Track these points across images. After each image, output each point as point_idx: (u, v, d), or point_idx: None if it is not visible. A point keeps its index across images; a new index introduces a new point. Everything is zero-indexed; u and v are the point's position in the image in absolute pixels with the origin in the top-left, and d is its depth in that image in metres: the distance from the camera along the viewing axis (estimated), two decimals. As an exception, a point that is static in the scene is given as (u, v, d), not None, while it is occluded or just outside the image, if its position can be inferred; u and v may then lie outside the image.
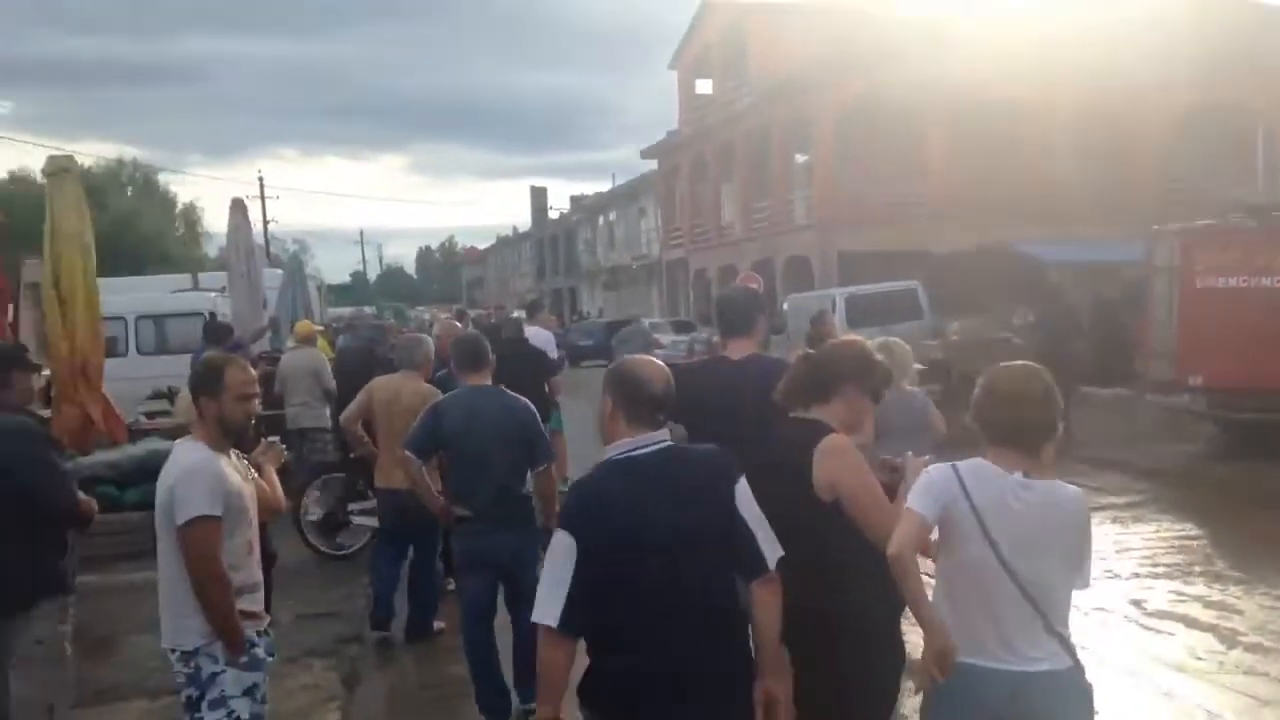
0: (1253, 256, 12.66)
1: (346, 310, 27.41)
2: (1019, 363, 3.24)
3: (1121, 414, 15.42)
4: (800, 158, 32.58)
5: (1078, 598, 3.14)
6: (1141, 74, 25.96)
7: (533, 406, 5.69)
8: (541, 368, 9.61)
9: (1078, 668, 3.04)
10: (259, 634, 3.87)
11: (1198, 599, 7.39)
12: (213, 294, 17.00)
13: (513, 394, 5.69)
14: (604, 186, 58.12)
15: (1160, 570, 8.15)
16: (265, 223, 50.31)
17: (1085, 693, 3.06)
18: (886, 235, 27.16)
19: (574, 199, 61.80)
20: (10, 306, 9.54)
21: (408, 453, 5.55)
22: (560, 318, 29.70)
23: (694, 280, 39.14)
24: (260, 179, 54.45)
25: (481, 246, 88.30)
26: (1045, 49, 26.13)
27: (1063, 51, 26.23)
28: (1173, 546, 8.90)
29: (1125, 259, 18.27)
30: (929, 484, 3.05)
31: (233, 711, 3.72)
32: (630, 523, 2.99)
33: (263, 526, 4.14)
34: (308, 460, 10.38)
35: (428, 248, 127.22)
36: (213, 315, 15.10)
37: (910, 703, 4.39)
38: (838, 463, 3.32)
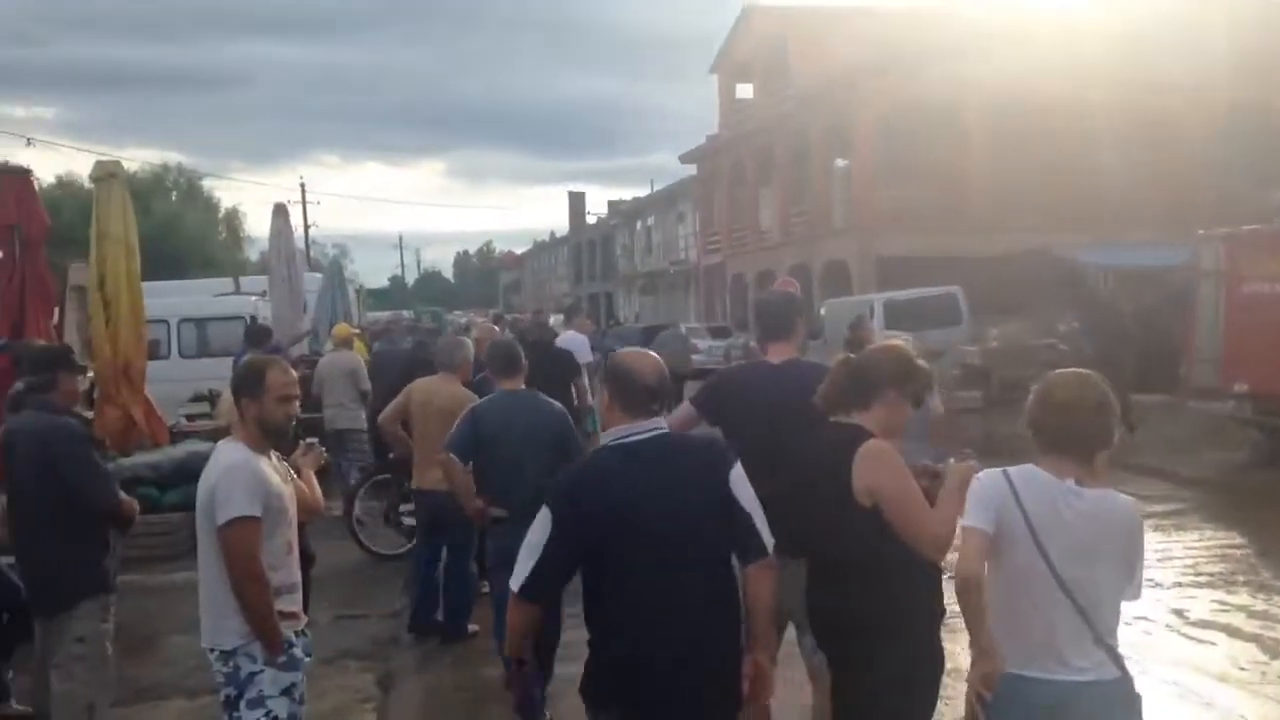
0: (1301, 261, 12.43)
1: (384, 314, 27.61)
2: (1074, 369, 3.20)
3: (1164, 420, 15.21)
4: (840, 162, 32.44)
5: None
6: (1181, 74, 25.63)
7: (565, 410, 5.79)
8: (567, 369, 9.63)
9: (1126, 678, 3.00)
10: (297, 634, 3.89)
11: (1241, 609, 7.27)
12: (254, 298, 17.19)
13: (546, 398, 5.80)
14: (642, 191, 58.27)
15: (1203, 579, 8.03)
16: (306, 227, 50.88)
17: (1133, 704, 3.02)
18: (926, 240, 26.97)
19: (611, 204, 61.93)
20: (56, 309, 9.68)
21: (450, 454, 5.61)
22: (596, 322, 29.69)
23: (731, 285, 39.08)
24: (302, 184, 55.33)
25: (519, 251, 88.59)
26: (1086, 51, 25.85)
27: (1104, 53, 25.93)
28: (1216, 555, 8.76)
29: (1169, 263, 18.03)
30: (981, 493, 3.02)
31: (270, 711, 3.73)
32: (626, 499, 3.08)
33: (301, 528, 4.16)
34: (344, 461, 10.50)
35: (465, 252, 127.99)
36: (253, 319, 15.26)
37: (950, 712, 4.34)
38: (878, 467, 3.29)
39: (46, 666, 5.00)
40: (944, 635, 3.48)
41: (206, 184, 55.95)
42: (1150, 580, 7.73)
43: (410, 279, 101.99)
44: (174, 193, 52.60)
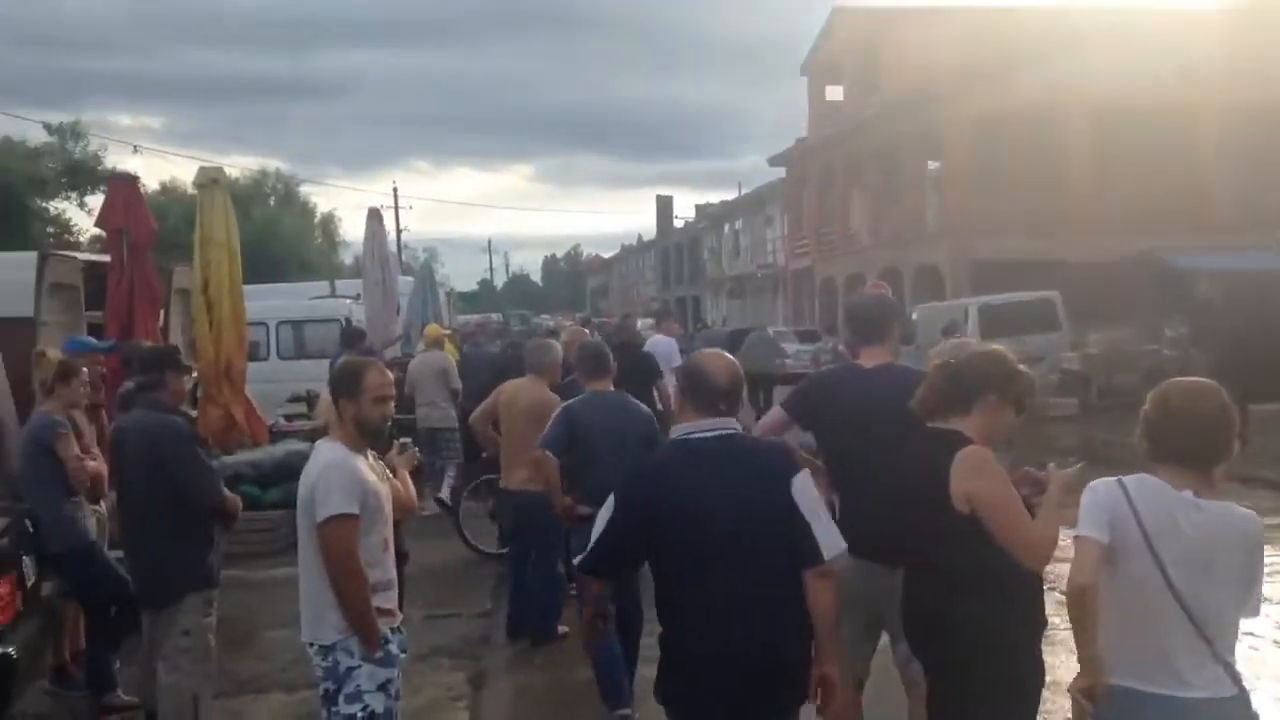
0: None
1: (474, 317, 27.96)
2: (1194, 379, 3.12)
3: (1272, 430, 14.66)
4: (932, 164, 31.96)
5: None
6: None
7: (650, 412, 5.99)
8: (650, 371, 9.70)
9: (1243, 696, 2.91)
10: (393, 631, 3.95)
11: (1356, 627, 6.96)
12: (348, 300, 17.52)
13: (633, 399, 5.97)
14: (729, 194, 58.06)
15: (1316, 596, 7.71)
16: (399, 231, 51.76)
17: (1250, 722, 2.92)
18: (1021, 244, 26.39)
19: (699, 207, 61.83)
20: (161, 312, 9.98)
21: (546, 451, 5.69)
22: (683, 326, 29.67)
23: (820, 289, 38.75)
24: (395, 189, 56.02)
25: (606, 255, 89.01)
26: (1188, 49, 25.10)
27: (1207, 51, 25.15)
28: (1329, 571, 8.40)
29: (1276, 268, 17.40)
30: (1096, 503, 2.95)
31: (367, 706, 3.79)
32: (684, 492, 3.19)
33: (396, 526, 4.23)
34: (437, 460, 10.70)
35: (553, 256, 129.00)
36: (348, 321, 15.56)
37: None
38: (976, 474, 3.22)
39: (153, 658, 5.15)
40: (1044, 648, 3.41)
41: (304, 190, 57.26)
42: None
43: (499, 282, 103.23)
44: (272, 198, 54.01)
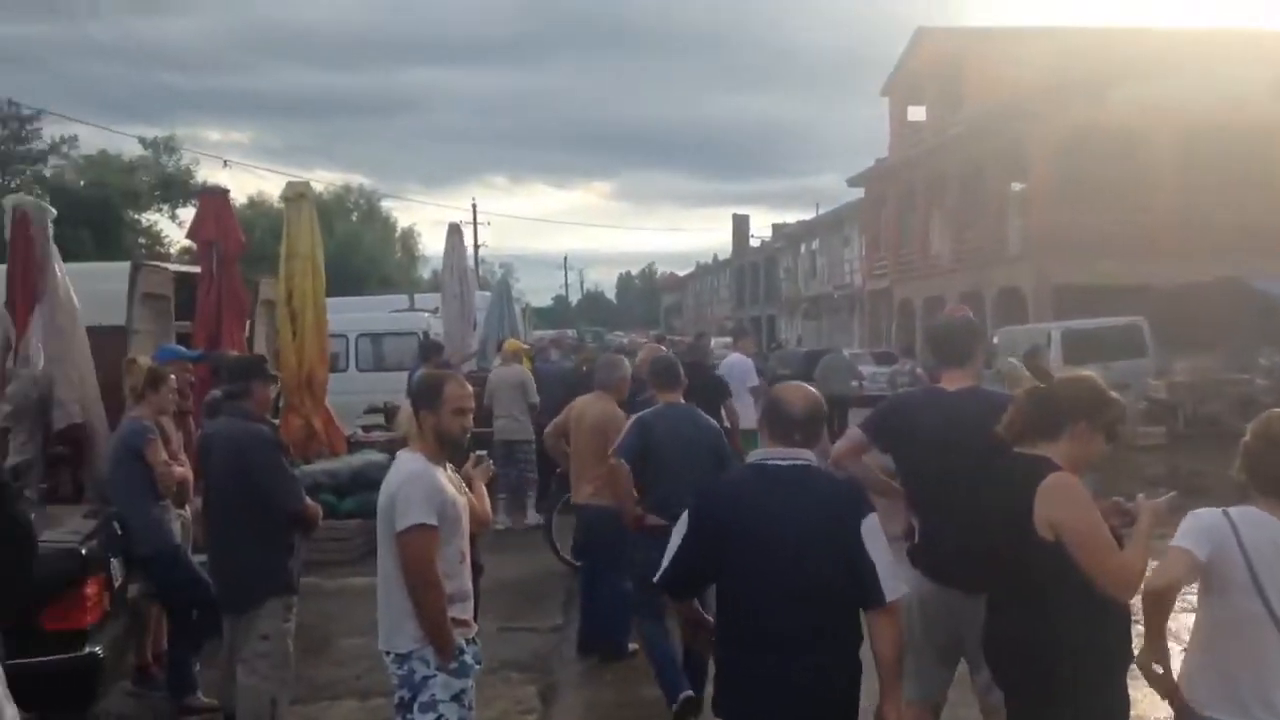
0: None
1: (549, 332, 28.15)
2: None
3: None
4: (1016, 186, 31.46)
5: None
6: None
7: (719, 426, 6.15)
8: (719, 390, 9.74)
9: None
10: (468, 642, 3.97)
11: None
12: (427, 314, 17.73)
13: (703, 413, 6.08)
14: (807, 214, 57.81)
15: None
16: (476, 247, 52.31)
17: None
18: (1107, 268, 25.81)
19: (776, 226, 61.64)
20: (247, 322, 10.19)
21: (620, 460, 5.74)
22: (758, 345, 29.56)
23: (897, 310, 38.33)
24: (473, 205, 56.72)
25: (681, 273, 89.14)
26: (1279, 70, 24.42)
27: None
28: None
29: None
30: (1199, 525, 2.89)
31: (441, 715, 3.81)
32: (752, 515, 3.25)
33: (472, 539, 4.25)
34: (513, 472, 10.84)
35: (628, 273, 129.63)
36: (426, 334, 15.75)
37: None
38: (1063, 502, 3.15)
39: (233, 661, 5.24)
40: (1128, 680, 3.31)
41: (385, 205, 58.35)
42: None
43: (574, 299, 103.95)
44: (355, 213, 55.11)
